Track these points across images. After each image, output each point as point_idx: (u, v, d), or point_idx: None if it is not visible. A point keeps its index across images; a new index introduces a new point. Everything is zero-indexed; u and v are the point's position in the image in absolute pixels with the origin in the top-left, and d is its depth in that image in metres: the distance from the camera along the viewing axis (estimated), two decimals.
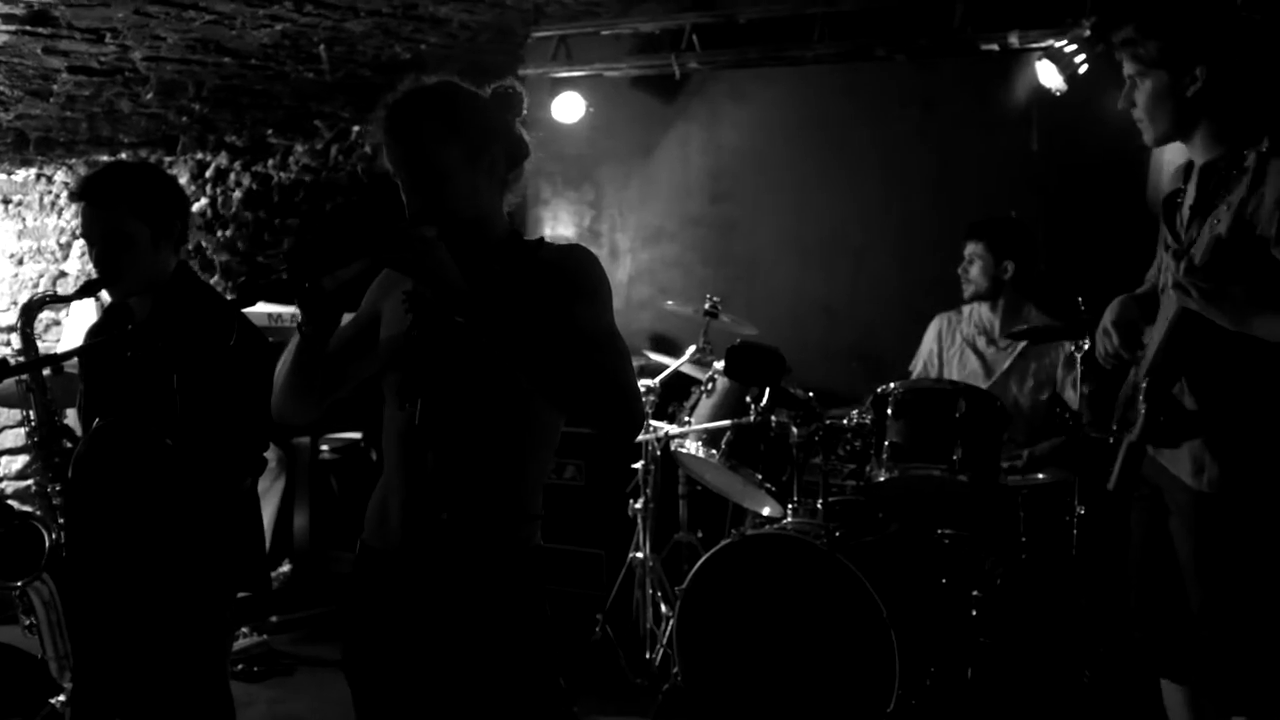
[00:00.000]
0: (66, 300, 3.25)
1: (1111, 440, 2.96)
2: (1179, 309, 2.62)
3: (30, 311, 3.20)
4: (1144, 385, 2.74)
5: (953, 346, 4.47)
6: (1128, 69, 2.71)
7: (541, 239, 2.21)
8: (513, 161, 2.18)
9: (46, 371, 3.20)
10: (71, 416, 3.17)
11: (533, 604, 2.14)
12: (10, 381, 3.15)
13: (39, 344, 3.32)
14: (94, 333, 3.19)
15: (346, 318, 2.14)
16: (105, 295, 3.10)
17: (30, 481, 6.50)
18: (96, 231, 2.86)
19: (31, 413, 3.14)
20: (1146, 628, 2.90)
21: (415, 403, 2.09)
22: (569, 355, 1.96)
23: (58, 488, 3.08)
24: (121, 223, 2.84)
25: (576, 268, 2.11)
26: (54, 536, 3.09)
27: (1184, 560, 2.78)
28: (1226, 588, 2.71)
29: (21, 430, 6.55)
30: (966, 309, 4.49)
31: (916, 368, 4.60)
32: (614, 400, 2.01)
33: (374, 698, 2.18)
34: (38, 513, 3.17)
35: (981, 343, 4.39)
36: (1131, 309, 2.87)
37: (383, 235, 1.92)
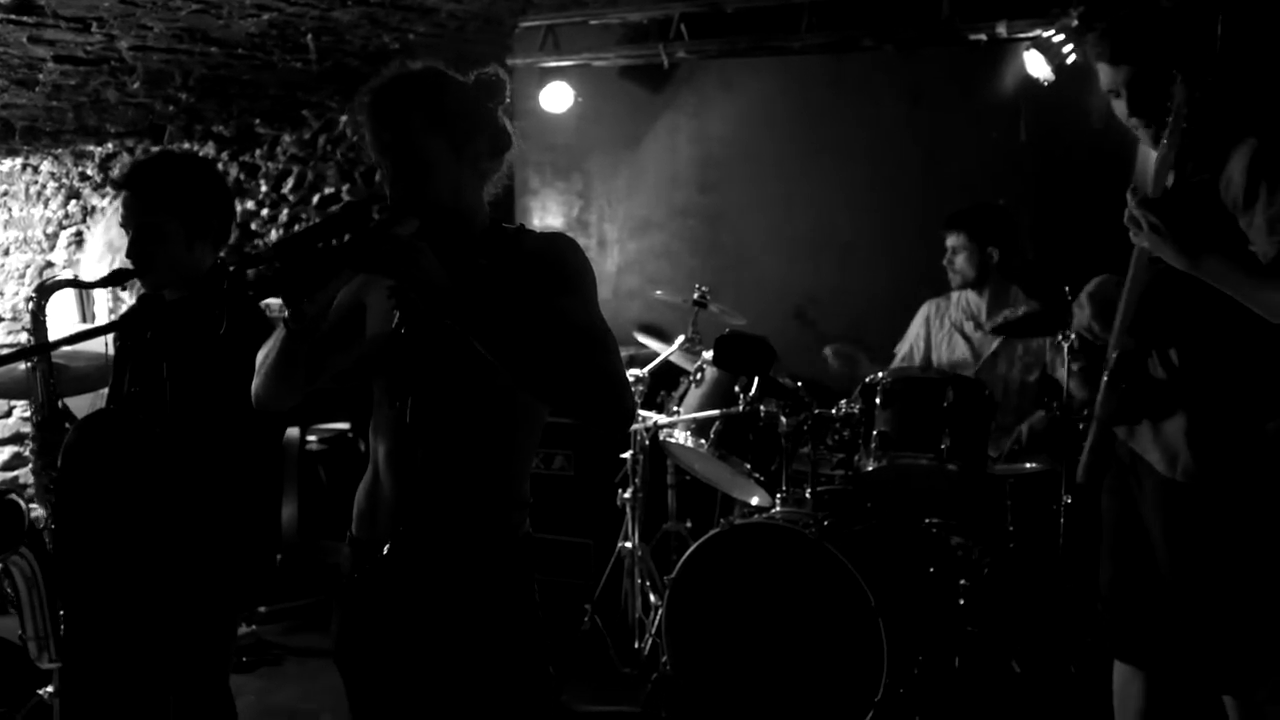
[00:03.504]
0: (89, 286, 3.25)
1: (1082, 426, 2.99)
2: (1140, 262, 2.66)
3: (45, 293, 3.19)
4: (1113, 356, 2.76)
5: (941, 331, 4.49)
6: (1108, 85, 2.78)
7: (521, 226, 2.19)
8: (495, 152, 2.16)
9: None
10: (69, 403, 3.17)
11: (521, 591, 2.14)
12: (15, 366, 3.15)
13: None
14: (124, 321, 3.18)
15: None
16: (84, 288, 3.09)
17: (18, 473, 6.51)
18: (130, 221, 2.86)
19: (36, 399, 3.13)
20: (1114, 611, 2.93)
21: (405, 400, 2.09)
22: (558, 353, 1.95)
23: (53, 468, 3.08)
24: (154, 215, 2.83)
25: (561, 260, 2.09)
26: (44, 515, 3.08)
27: (1156, 544, 2.81)
28: (1197, 575, 2.74)
29: (7, 421, 6.55)
30: (955, 294, 4.51)
31: (901, 350, 4.62)
32: (604, 395, 2.00)
33: (366, 688, 2.18)
34: (34, 497, 3.16)
35: (969, 327, 4.41)
36: (1111, 289, 2.88)
37: (365, 242, 1.89)
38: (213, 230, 2.91)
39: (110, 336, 3.21)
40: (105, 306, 6.38)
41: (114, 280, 2.94)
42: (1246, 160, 2.60)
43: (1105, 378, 2.78)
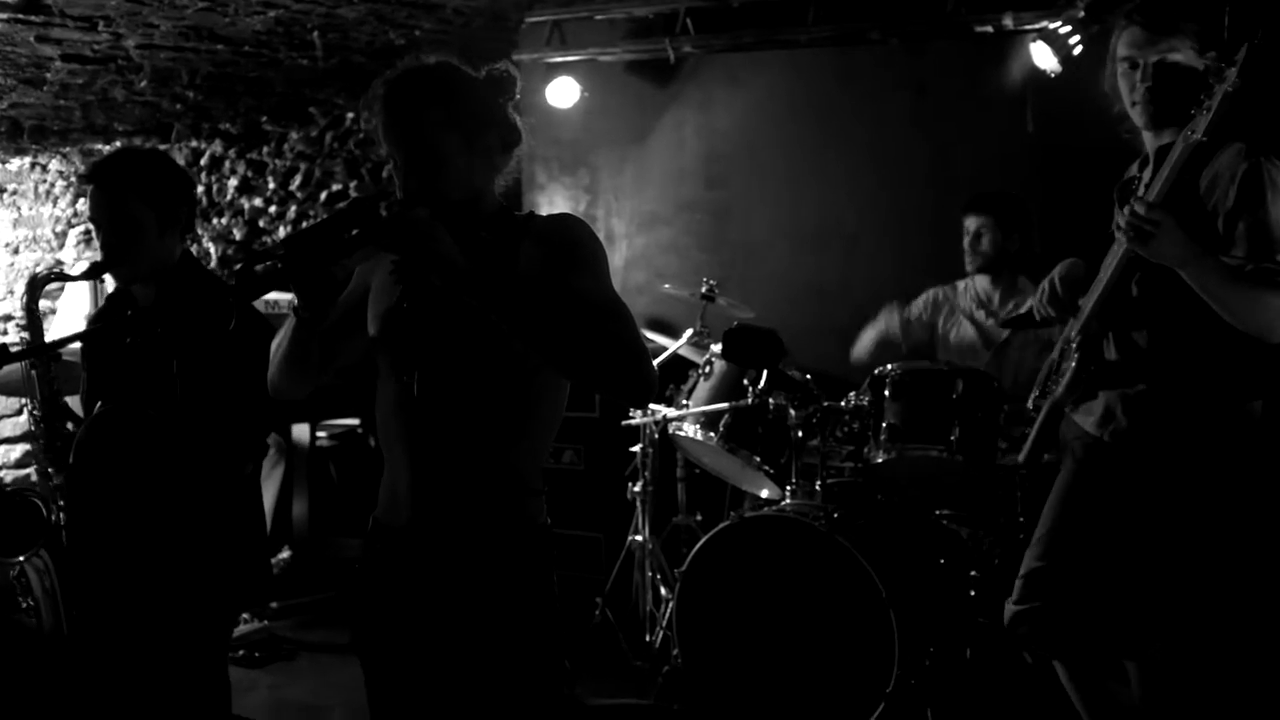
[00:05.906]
0: (72, 279, 3.29)
1: (1032, 409, 3.01)
2: (1124, 258, 2.66)
3: (36, 287, 3.21)
4: (1077, 339, 2.77)
5: (951, 319, 4.48)
6: (1127, 52, 2.73)
7: (531, 213, 2.22)
8: (506, 146, 2.19)
9: None
10: (72, 402, 3.18)
11: (540, 583, 2.14)
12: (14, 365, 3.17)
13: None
14: (95, 320, 3.21)
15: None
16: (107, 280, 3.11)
17: (29, 471, 6.53)
18: (103, 214, 2.90)
19: (35, 397, 3.15)
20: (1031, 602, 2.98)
21: (413, 374, 2.10)
22: (577, 325, 1.98)
23: (59, 465, 3.10)
24: (128, 206, 2.87)
25: (571, 236, 2.13)
26: (54, 517, 3.11)
27: (1052, 498, 2.87)
28: (1085, 529, 2.78)
29: (19, 419, 6.56)
30: (961, 283, 4.51)
31: (915, 310, 4.59)
32: (626, 365, 2.02)
33: (384, 675, 2.19)
34: (38, 490, 3.18)
35: (981, 315, 4.40)
36: (1080, 270, 2.89)
37: (382, 221, 1.92)
38: (180, 219, 2.98)
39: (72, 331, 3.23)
40: None
41: (92, 273, 2.99)
42: (1242, 164, 2.57)
43: (1074, 361, 2.80)
